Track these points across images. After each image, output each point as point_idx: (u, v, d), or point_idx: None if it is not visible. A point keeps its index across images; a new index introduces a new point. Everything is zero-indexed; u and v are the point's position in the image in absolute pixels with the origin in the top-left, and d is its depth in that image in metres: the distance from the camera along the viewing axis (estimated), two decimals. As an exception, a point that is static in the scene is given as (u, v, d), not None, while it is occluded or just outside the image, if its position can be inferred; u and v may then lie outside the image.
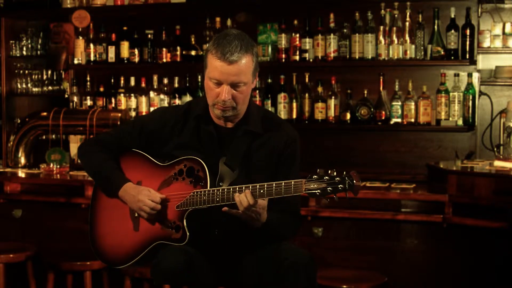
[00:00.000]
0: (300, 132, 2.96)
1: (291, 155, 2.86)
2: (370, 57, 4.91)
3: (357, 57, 4.95)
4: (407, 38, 4.85)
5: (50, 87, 5.89)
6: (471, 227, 3.69)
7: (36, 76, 5.93)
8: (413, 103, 4.86)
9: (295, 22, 5.09)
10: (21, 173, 4.74)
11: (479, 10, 4.83)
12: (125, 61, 5.49)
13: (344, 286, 3.35)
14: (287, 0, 5.32)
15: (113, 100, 5.49)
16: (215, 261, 2.82)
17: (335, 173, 2.56)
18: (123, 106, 5.41)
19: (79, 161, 3.13)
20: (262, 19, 5.31)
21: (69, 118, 4.92)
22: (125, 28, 5.51)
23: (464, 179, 3.79)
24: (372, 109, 4.93)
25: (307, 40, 5.04)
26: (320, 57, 5.03)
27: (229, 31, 2.77)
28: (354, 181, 2.54)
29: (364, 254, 3.92)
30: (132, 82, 5.45)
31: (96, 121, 4.82)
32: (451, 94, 4.77)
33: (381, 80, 4.94)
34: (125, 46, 5.47)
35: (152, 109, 5.28)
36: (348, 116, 4.98)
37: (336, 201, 2.58)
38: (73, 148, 5.34)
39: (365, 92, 4.94)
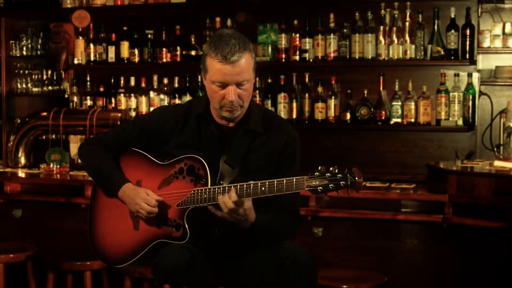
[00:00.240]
0: (300, 132, 2.96)
1: (291, 155, 2.86)
2: (370, 57, 4.91)
3: (357, 57, 4.95)
4: (407, 38, 4.85)
5: (50, 87, 5.89)
6: (471, 227, 3.69)
7: (36, 76, 5.93)
8: (413, 103, 4.86)
9: (295, 22, 5.09)
10: (21, 173, 4.74)
11: (479, 10, 4.83)
12: (125, 61, 5.49)
13: (344, 286, 3.35)
14: (287, 0, 5.32)
15: (113, 100, 5.49)
16: (215, 260, 2.82)
17: (336, 170, 2.57)
18: (123, 106, 5.41)
19: (79, 161, 3.14)
20: (262, 19, 5.31)
21: (69, 118, 4.92)
22: (125, 28, 5.51)
23: (464, 179, 3.79)
24: (372, 109, 4.93)
25: (307, 40, 5.04)
26: (320, 57, 5.04)
27: (222, 31, 2.76)
28: (356, 178, 2.54)
29: (364, 254, 3.92)
30: (132, 82, 5.45)
31: (96, 121, 4.82)
32: (451, 94, 4.77)
33: (381, 80, 4.94)
34: (125, 46, 5.47)
35: (152, 109, 5.27)
36: (348, 116, 4.98)
37: (338, 198, 2.59)
38: (73, 148, 5.34)
39: (365, 92, 4.94)
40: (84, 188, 4.26)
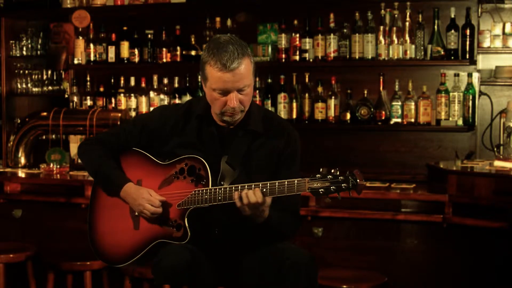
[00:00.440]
0: (300, 132, 2.96)
1: (291, 155, 2.86)
2: (370, 57, 4.91)
3: (357, 57, 4.94)
4: (407, 38, 4.85)
5: (50, 87, 5.89)
6: (471, 227, 3.69)
7: (36, 76, 5.93)
8: (413, 103, 4.86)
9: (295, 22, 5.09)
10: (21, 173, 4.74)
11: (479, 10, 4.83)
12: (125, 61, 5.48)
13: (344, 286, 3.35)
14: (287, 0, 5.32)
15: (113, 100, 5.49)
16: (215, 260, 2.82)
17: (338, 172, 2.57)
18: (123, 106, 5.41)
19: (79, 161, 3.14)
20: (262, 19, 5.31)
21: (69, 118, 4.93)
22: (125, 28, 5.50)
23: (464, 179, 3.79)
24: (372, 109, 4.93)
25: (307, 40, 5.04)
26: (320, 57, 5.03)
27: (219, 37, 2.74)
28: (358, 180, 2.54)
29: (364, 254, 3.92)
30: (132, 82, 5.45)
31: (96, 121, 4.83)
32: (451, 94, 4.77)
33: (381, 80, 4.94)
34: (125, 46, 5.47)
35: (152, 109, 5.27)
36: (348, 116, 4.98)
37: (339, 200, 2.59)
38: (73, 148, 5.33)
39: (365, 92, 4.94)
40: (84, 188, 4.27)
